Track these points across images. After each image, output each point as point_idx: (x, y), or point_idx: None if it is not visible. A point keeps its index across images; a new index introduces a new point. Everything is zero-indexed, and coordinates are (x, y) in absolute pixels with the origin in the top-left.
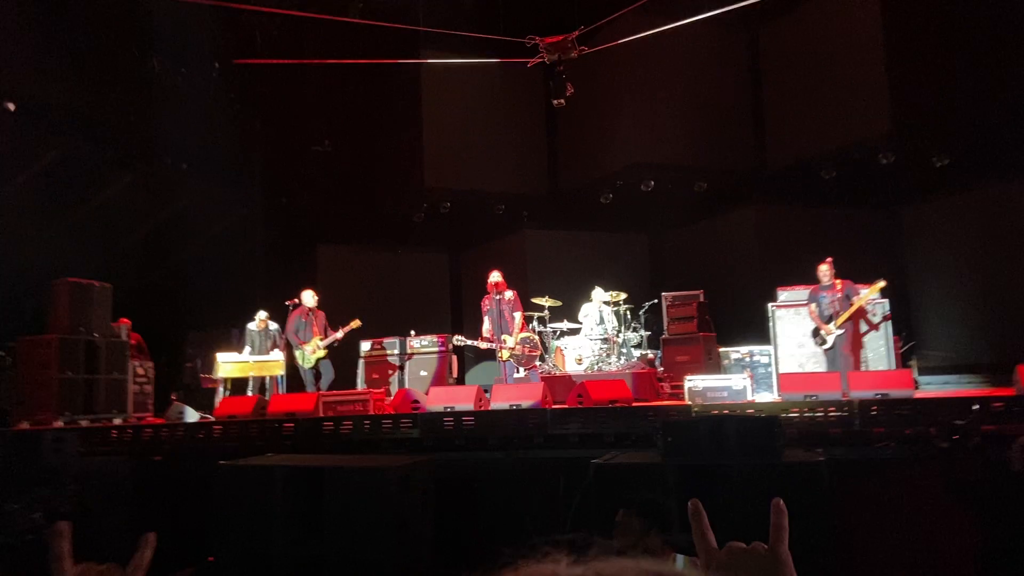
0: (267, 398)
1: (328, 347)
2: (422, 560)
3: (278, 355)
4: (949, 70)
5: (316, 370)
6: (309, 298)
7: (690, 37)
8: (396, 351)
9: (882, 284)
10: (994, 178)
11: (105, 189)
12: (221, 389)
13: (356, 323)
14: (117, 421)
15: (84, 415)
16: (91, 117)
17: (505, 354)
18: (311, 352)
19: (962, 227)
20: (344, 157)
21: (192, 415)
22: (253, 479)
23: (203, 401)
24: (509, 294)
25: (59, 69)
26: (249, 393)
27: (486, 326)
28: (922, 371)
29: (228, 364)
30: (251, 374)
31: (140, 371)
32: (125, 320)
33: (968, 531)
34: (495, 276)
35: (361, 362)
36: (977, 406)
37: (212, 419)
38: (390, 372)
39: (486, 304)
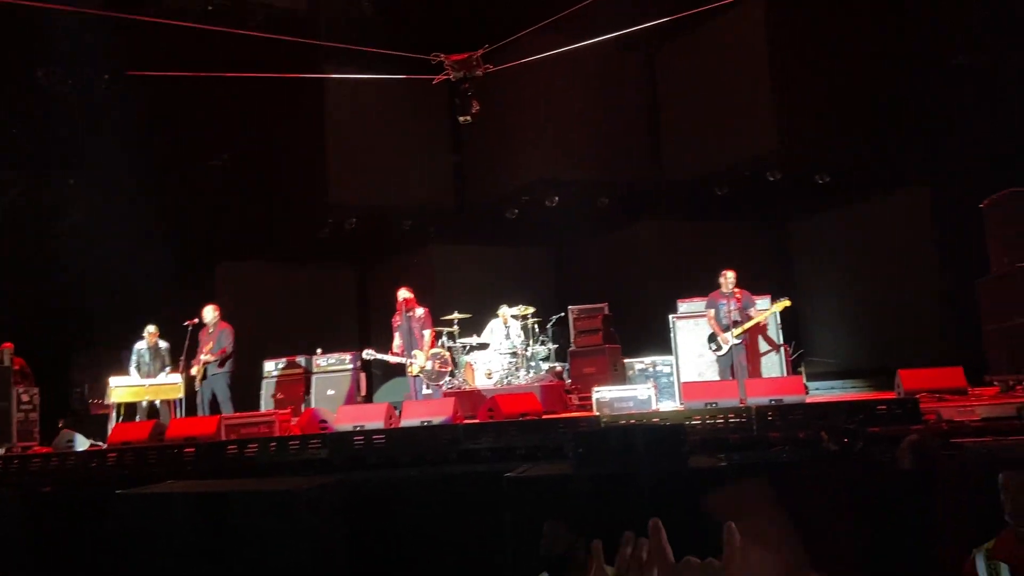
0: (164, 423)
1: (206, 367)
2: None
3: (176, 378)
4: (830, 93)
5: (210, 393)
6: (208, 315)
7: (592, 57)
8: (303, 370)
9: (787, 303)
10: (871, 195)
11: None
12: (113, 415)
13: (228, 342)
14: (1, 451)
15: None
16: None
17: (415, 369)
18: (195, 373)
19: (844, 241)
20: (245, 172)
21: (83, 443)
22: (153, 507)
23: (93, 428)
24: (420, 311)
25: None
26: (138, 418)
27: (396, 342)
28: (810, 377)
29: (121, 388)
30: (146, 399)
31: (24, 397)
32: (7, 344)
33: (859, 528)
34: (404, 293)
35: (265, 382)
36: (862, 413)
37: (105, 446)
38: (297, 392)
39: (396, 320)
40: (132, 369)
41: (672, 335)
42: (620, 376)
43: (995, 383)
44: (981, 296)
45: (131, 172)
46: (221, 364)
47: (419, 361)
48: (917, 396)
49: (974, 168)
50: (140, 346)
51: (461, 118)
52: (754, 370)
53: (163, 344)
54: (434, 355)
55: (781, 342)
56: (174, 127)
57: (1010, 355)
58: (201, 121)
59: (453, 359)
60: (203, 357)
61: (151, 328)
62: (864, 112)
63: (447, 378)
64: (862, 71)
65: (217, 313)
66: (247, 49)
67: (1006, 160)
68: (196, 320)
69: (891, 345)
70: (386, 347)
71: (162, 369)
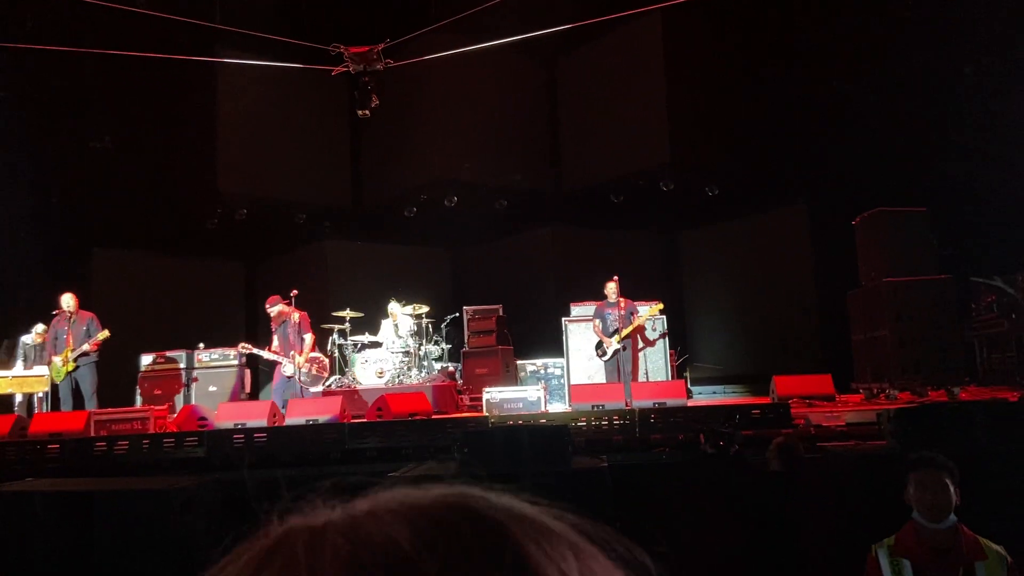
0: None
1: (77, 359)
2: None
3: (43, 370)
4: (721, 110)
5: (73, 385)
6: (68, 302)
7: (494, 60)
8: (182, 365)
9: (659, 306)
10: (755, 209)
11: None
12: None
13: (105, 334)
14: None
15: None
16: None
17: (290, 370)
18: (61, 364)
19: (729, 252)
20: (128, 156)
21: None
22: (8, 506)
23: None
24: (296, 316)
25: None
26: (16, 411)
27: (275, 344)
28: (694, 382)
29: None
30: (9, 391)
31: None
32: None
33: (731, 527)
34: (274, 309)
35: (140, 377)
36: (737, 416)
37: None
38: (175, 388)
39: (274, 326)
40: (19, 363)
41: (564, 338)
42: (512, 377)
43: (860, 391)
44: (850, 308)
45: (4, 148)
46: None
47: (297, 361)
48: (789, 401)
49: (848, 187)
50: (27, 340)
51: (360, 112)
52: (636, 373)
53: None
54: (312, 358)
55: (666, 344)
56: (53, 104)
57: (874, 365)
58: (83, 99)
59: (343, 362)
60: (84, 347)
61: (40, 327)
62: (751, 130)
63: (323, 384)
64: (750, 92)
65: (75, 302)
66: (137, 26)
67: (877, 180)
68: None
69: (770, 352)
70: (268, 343)
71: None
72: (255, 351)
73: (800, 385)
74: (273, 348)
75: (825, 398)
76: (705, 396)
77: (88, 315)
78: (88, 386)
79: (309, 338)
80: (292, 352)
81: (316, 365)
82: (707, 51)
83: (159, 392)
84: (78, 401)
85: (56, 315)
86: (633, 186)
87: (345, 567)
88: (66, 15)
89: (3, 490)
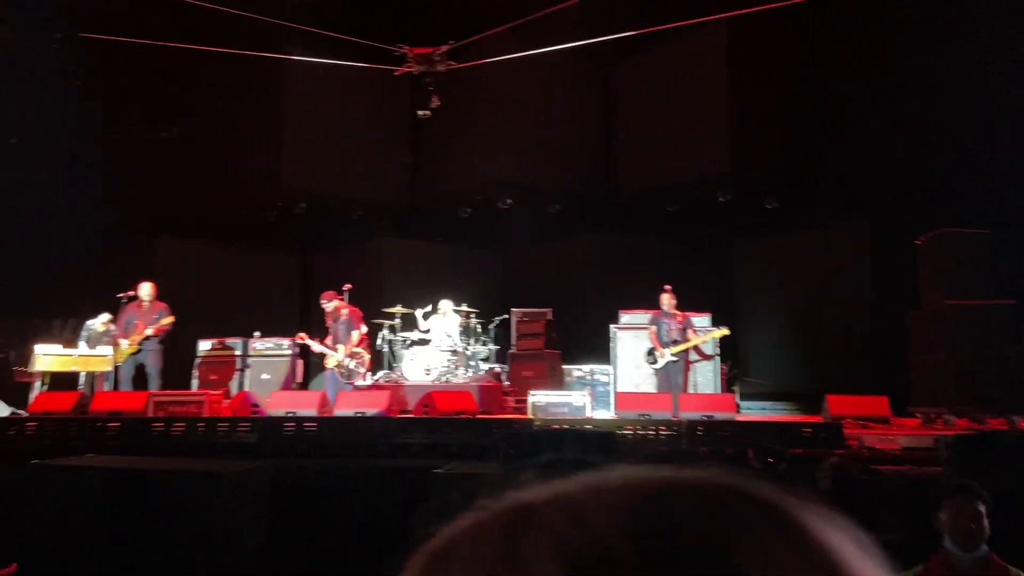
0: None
1: (142, 342)
2: (251, 569)
3: (106, 350)
4: (784, 121)
5: (135, 368)
6: (147, 291)
7: (553, 64)
8: (238, 352)
9: (725, 331)
10: (815, 223)
11: None
12: (38, 384)
13: (170, 320)
14: None
15: None
16: None
17: (332, 363)
18: (127, 346)
19: (784, 266)
20: (194, 148)
21: (3, 409)
22: (68, 480)
23: (15, 396)
24: (345, 313)
25: None
26: (80, 389)
27: (329, 340)
28: (743, 397)
29: (47, 357)
30: (73, 368)
31: None
32: None
33: None
34: (329, 304)
35: (197, 362)
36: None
37: (25, 415)
38: (230, 374)
39: (328, 321)
40: (82, 344)
41: (612, 345)
42: (558, 382)
43: (917, 415)
44: (910, 330)
45: (75, 137)
46: (159, 340)
47: (338, 355)
48: (842, 421)
49: (913, 205)
50: (92, 324)
51: (420, 112)
52: (685, 386)
53: (115, 329)
54: (354, 353)
55: (718, 359)
56: (125, 95)
57: (933, 389)
58: (154, 91)
59: (392, 357)
60: (147, 331)
61: (105, 316)
62: (814, 143)
63: (361, 380)
64: (815, 103)
65: (154, 291)
66: (209, 21)
67: (944, 199)
68: (132, 293)
69: (823, 370)
70: (323, 335)
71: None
72: (309, 342)
73: (854, 405)
74: (326, 341)
75: (880, 420)
76: (754, 411)
77: (161, 305)
78: (153, 368)
79: (356, 334)
80: (338, 345)
81: (356, 360)
82: (772, 60)
83: (215, 377)
84: (139, 383)
85: (127, 302)
86: (689, 195)
87: (563, 547)
88: (140, 9)
89: (64, 464)
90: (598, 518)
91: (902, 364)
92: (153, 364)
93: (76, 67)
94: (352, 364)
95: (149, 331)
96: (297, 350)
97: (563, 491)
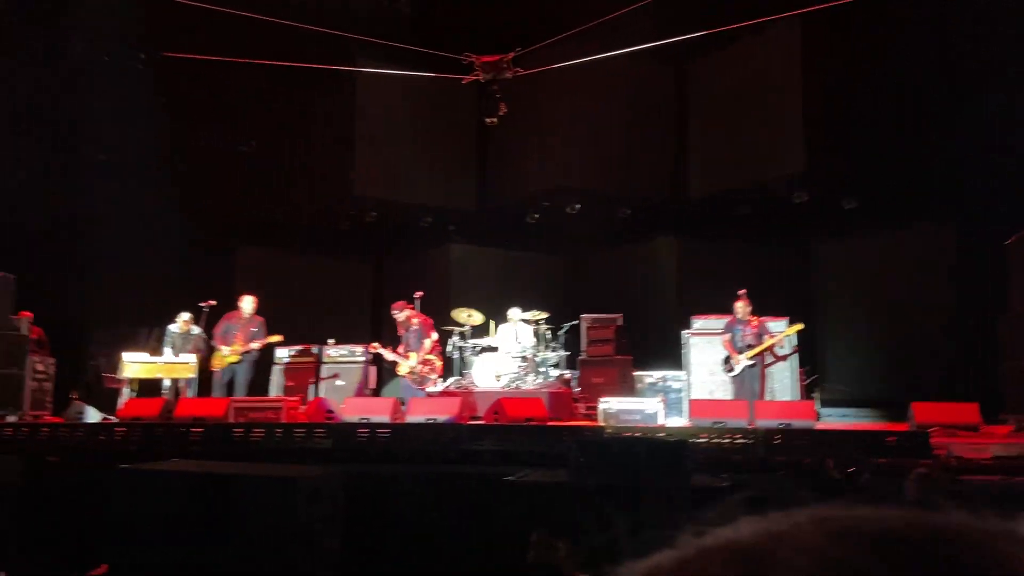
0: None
1: (243, 354)
2: (328, 573)
3: (190, 357)
4: (862, 120)
5: (229, 377)
6: (249, 304)
7: (622, 67)
8: (312, 359)
9: (800, 327)
10: (897, 224)
11: (15, 173)
12: (126, 390)
13: (277, 338)
14: (11, 419)
15: None
16: (2, 95)
17: (404, 370)
18: (227, 353)
19: (866, 268)
20: (271, 160)
21: (93, 415)
22: (155, 484)
23: (105, 402)
24: (415, 323)
25: None
26: (164, 395)
27: (401, 348)
28: (823, 403)
29: (135, 364)
30: (159, 375)
31: (40, 367)
32: (27, 313)
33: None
34: (401, 315)
35: (276, 368)
36: (870, 447)
37: (115, 420)
38: (308, 380)
39: (400, 330)
40: (167, 350)
41: (685, 351)
42: (629, 388)
43: (1010, 421)
44: (1001, 333)
45: (158, 151)
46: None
47: (410, 363)
48: (929, 430)
49: (1001, 205)
50: (173, 328)
51: (487, 119)
52: (763, 392)
53: (195, 329)
54: (425, 360)
55: (796, 360)
56: (205, 110)
57: None
58: (231, 106)
59: (462, 364)
60: (254, 345)
61: (185, 315)
62: (895, 142)
63: (431, 386)
64: (895, 101)
65: (255, 305)
66: (281, 37)
67: None
68: (213, 302)
69: (906, 377)
70: (395, 342)
71: (195, 352)
72: (382, 351)
73: (941, 413)
74: (398, 350)
75: (969, 428)
76: (834, 419)
77: (260, 319)
78: (243, 379)
79: (428, 342)
80: (410, 352)
81: (427, 367)
82: (849, 56)
83: (292, 384)
84: (228, 390)
85: (207, 311)
86: (762, 197)
87: None
88: (221, 28)
89: (151, 468)
90: (856, 559)
91: (992, 369)
92: (245, 375)
93: (159, 85)
94: (424, 370)
95: (255, 344)
96: (370, 357)
97: (789, 530)
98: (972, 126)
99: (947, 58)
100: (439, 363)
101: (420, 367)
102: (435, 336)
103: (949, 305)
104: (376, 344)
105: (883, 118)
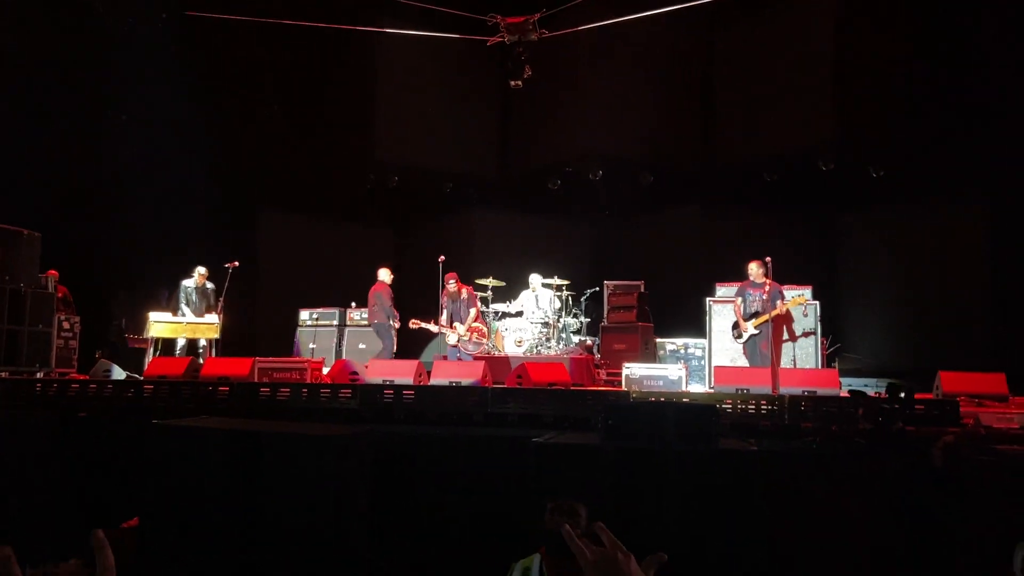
0: (200, 361)
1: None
2: (358, 531)
3: (213, 318)
4: (892, 90)
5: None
6: (386, 275)
7: (649, 32)
8: (336, 322)
9: (802, 299)
10: (923, 194)
11: (41, 135)
12: (151, 349)
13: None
14: (39, 375)
15: (5, 367)
16: (30, 58)
17: (453, 338)
18: (465, 331)
19: (892, 237)
20: (292, 123)
21: (119, 373)
22: (189, 440)
23: (128, 361)
24: (465, 293)
25: None
26: (177, 355)
27: (444, 318)
28: (844, 373)
29: (160, 324)
30: (184, 336)
31: (66, 325)
32: (53, 272)
33: (886, 525)
34: (453, 286)
35: (299, 330)
36: (903, 394)
37: (141, 379)
38: (330, 342)
39: (444, 302)
40: (183, 307)
41: (707, 318)
42: (651, 355)
43: None
44: None
45: (181, 114)
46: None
47: (460, 331)
48: (956, 399)
49: None
50: (188, 284)
51: (512, 82)
52: (776, 359)
53: (210, 285)
54: (473, 327)
55: (819, 335)
56: (227, 73)
57: None
58: (254, 69)
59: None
60: (460, 328)
61: (201, 269)
62: (923, 112)
63: (481, 348)
64: (929, 70)
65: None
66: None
67: None
68: (236, 263)
69: (930, 347)
70: (415, 308)
71: (208, 309)
72: (423, 325)
73: (969, 383)
74: (442, 322)
75: (997, 398)
76: (857, 388)
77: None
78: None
79: (474, 312)
80: (455, 323)
81: (476, 333)
82: (883, 23)
83: (315, 345)
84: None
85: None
86: (790, 164)
87: None
88: None
89: (185, 424)
90: None
91: (1020, 340)
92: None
93: (184, 47)
94: (474, 336)
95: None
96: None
97: None
98: (1009, 97)
99: (985, 27)
100: (484, 327)
101: (469, 335)
102: (480, 305)
103: (977, 275)
104: (416, 320)
105: (914, 90)
